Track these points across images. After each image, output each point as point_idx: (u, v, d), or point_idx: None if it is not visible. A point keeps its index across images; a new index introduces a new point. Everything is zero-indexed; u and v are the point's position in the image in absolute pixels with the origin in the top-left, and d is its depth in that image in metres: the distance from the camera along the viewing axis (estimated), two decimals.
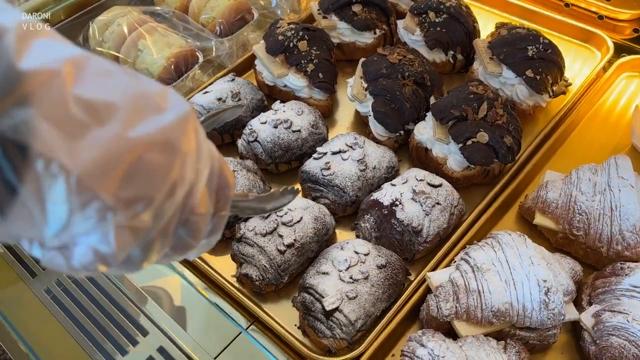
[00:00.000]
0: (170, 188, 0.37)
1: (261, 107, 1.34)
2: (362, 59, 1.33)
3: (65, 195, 0.32)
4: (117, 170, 0.33)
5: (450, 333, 0.93)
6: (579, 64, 1.47)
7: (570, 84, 1.38)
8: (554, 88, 1.29)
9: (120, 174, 0.33)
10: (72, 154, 0.31)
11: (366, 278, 0.96)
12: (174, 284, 1.01)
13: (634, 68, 1.41)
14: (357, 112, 1.37)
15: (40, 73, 0.30)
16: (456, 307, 0.91)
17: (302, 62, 1.33)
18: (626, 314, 0.86)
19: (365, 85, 1.27)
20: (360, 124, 1.36)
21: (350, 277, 0.96)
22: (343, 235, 1.15)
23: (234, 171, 1.12)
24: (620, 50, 1.46)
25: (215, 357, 0.89)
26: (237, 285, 1.06)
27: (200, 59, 1.43)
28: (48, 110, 0.30)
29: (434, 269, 1.02)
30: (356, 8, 1.44)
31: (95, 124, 0.32)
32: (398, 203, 1.05)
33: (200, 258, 1.08)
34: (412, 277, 1.06)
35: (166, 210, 0.38)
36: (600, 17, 1.52)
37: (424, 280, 1.00)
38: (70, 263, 0.37)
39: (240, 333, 0.94)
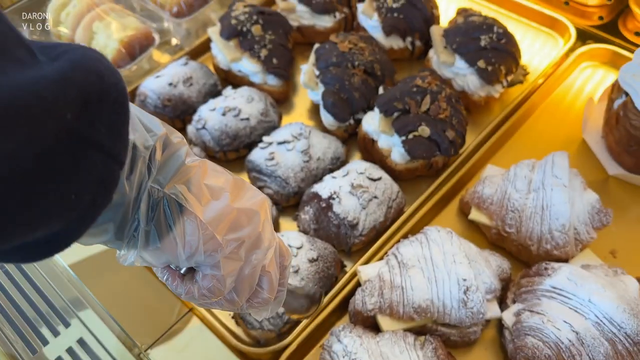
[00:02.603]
0: (256, 240, 0.57)
1: (214, 93, 1.33)
2: (316, 46, 1.31)
3: (197, 233, 0.52)
4: (224, 223, 0.54)
5: (377, 327, 0.95)
6: (543, 52, 1.44)
7: (528, 73, 1.36)
8: (509, 78, 1.28)
9: (226, 226, 0.54)
10: (203, 213, 0.52)
11: (296, 272, 0.98)
12: (107, 272, 1.03)
13: (594, 57, 1.39)
14: None
15: (192, 169, 0.53)
16: (380, 301, 0.92)
17: (256, 47, 1.31)
18: (543, 314, 0.88)
19: (317, 73, 1.26)
20: (317, 111, 1.36)
21: None
22: (286, 225, 1.16)
23: None
24: (587, 37, 1.43)
25: (147, 349, 0.91)
26: None
27: (157, 41, 1.41)
28: (193, 189, 0.52)
29: (367, 262, 1.04)
30: None
31: (214, 199, 0.54)
32: (335, 196, 1.05)
33: None
34: (347, 269, 1.07)
35: (253, 258, 0.57)
36: (566, 2, 1.49)
37: (356, 274, 1.02)
38: (201, 291, 0.56)
39: (173, 325, 0.97)
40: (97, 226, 0.48)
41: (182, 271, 0.59)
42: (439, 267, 0.92)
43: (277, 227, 1.15)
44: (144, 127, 0.49)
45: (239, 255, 0.55)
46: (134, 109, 0.49)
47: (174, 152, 0.52)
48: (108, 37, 1.35)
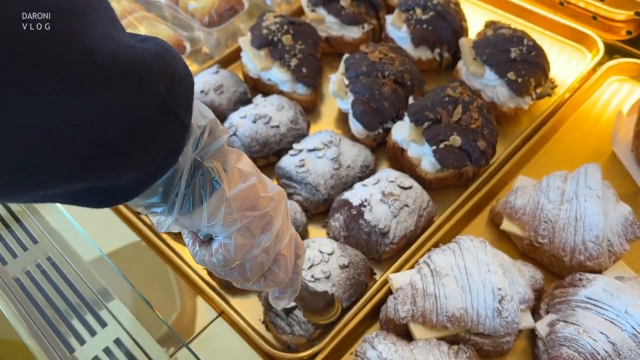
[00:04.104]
0: (267, 222, 0.63)
1: (244, 100, 1.35)
2: (345, 55, 1.33)
3: (221, 205, 0.58)
4: (244, 201, 0.60)
5: (408, 335, 0.95)
6: (570, 65, 1.45)
7: (556, 86, 1.36)
8: (538, 90, 1.28)
9: (245, 204, 0.60)
10: (231, 190, 0.59)
11: (328, 277, 0.98)
12: (143, 274, 1.04)
13: (621, 72, 1.39)
14: None
15: (230, 153, 0.60)
16: (413, 310, 0.92)
17: (286, 56, 1.33)
18: (578, 325, 0.87)
19: (347, 82, 1.28)
20: (344, 120, 1.37)
21: (312, 276, 0.97)
22: (315, 232, 1.17)
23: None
24: (614, 52, 1.44)
25: (175, 352, 0.92)
26: (206, 277, 1.09)
27: (188, 49, 1.44)
28: (228, 170, 0.59)
29: (398, 270, 1.04)
30: (344, 2, 1.44)
31: (241, 182, 0.60)
32: (367, 204, 1.06)
33: (171, 248, 1.11)
34: (377, 277, 1.07)
35: (264, 240, 0.63)
36: (594, 17, 1.49)
37: (387, 281, 1.02)
38: (211, 258, 0.63)
39: (203, 329, 0.97)
40: (152, 187, 0.56)
41: (204, 239, 0.66)
42: (473, 276, 0.91)
43: (306, 234, 1.16)
44: (199, 112, 0.58)
45: (251, 231, 0.62)
46: None
47: (218, 137, 0.60)
48: None
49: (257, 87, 1.41)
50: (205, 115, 0.57)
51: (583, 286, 0.92)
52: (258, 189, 0.62)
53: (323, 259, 1.00)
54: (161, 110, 0.48)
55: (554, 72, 1.40)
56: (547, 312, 0.95)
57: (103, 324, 0.91)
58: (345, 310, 1.00)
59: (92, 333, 0.89)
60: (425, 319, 0.91)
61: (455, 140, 1.10)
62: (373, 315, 1.01)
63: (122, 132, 0.45)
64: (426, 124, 1.14)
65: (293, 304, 0.94)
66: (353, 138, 1.27)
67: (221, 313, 1.03)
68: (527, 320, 0.93)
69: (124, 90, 0.44)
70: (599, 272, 0.98)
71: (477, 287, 0.90)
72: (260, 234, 0.63)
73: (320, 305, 0.93)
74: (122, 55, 0.44)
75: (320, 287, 0.97)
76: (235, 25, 1.53)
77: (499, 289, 0.89)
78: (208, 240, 0.65)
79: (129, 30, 1.47)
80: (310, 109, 1.38)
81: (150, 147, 0.49)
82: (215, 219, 0.59)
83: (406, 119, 1.17)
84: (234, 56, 1.49)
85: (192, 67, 1.51)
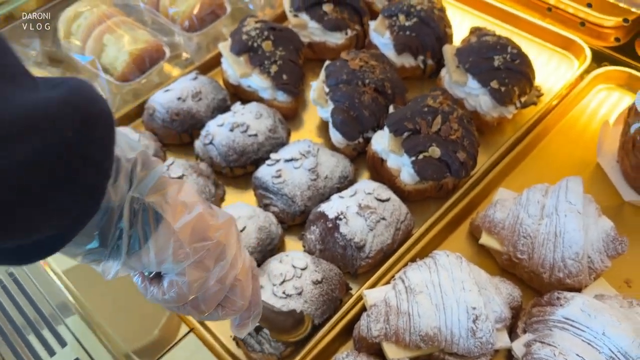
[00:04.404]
0: (220, 252, 0.61)
1: (223, 108, 1.32)
2: (326, 62, 1.30)
3: (169, 241, 0.56)
4: (193, 233, 0.58)
5: (381, 354, 0.92)
6: (557, 73, 1.42)
7: (542, 94, 1.34)
8: (522, 99, 1.26)
9: (195, 236, 0.58)
10: (177, 223, 0.57)
11: (300, 294, 0.95)
12: (106, 292, 1.01)
13: (609, 80, 1.36)
14: None
15: (169, 184, 0.58)
16: (386, 328, 0.90)
17: (266, 62, 1.30)
18: (554, 347, 0.84)
19: (327, 90, 1.25)
20: (326, 128, 1.34)
21: (284, 292, 0.95)
22: (291, 244, 1.14)
23: (184, 175, 1.12)
24: (602, 59, 1.41)
25: None
26: None
27: (167, 55, 1.41)
28: (170, 202, 0.57)
29: (374, 285, 1.01)
30: (327, 7, 1.41)
31: (187, 212, 0.58)
32: (342, 217, 1.03)
33: None
34: (353, 292, 1.05)
35: (218, 270, 0.61)
36: (582, 23, 1.47)
37: (361, 298, 0.99)
38: (164, 296, 0.60)
39: (172, 346, 0.95)
40: (84, 232, 0.52)
41: (151, 275, 0.63)
42: (447, 294, 0.89)
43: (282, 246, 1.13)
44: (126, 144, 0.56)
45: (204, 264, 0.60)
46: (117, 131, 0.54)
47: (153, 168, 0.58)
48: (118, 49, 1.35)
49: (238, 94, 1.39)
50: (133, 147, 0.55)
51: (561, 305, 0.89)
52: (206, 218, 0.60)
53: (296, 274, 0.97)
54: (70, 157, 0.45)
55: (541, 80, 1.37)
56: (525, 331, 0.92)
57: (63, 344, 0.88)
58: (317, 327, 0.97)
59: (51, 353, 0.87)
60: (399, 337, 0.89)
61: (435, 151, 1.07)
62: (348, 332, 0.98)
63: (26, 189, 0.43)
64: (405, 134, 1.11)
65: None
66: (333, 147, 1.24)
67: (192, 329, 1.01)
68: (503, 340, 0.91)
69: (23, 148, 0.42)
70: (579, 289, 0.96)
71: (452, 305, 0.88)
72: (215, 264, 0.61)
73: (287, 324, 0.90)
74: (15, 114, 0.42)
75: (291, 303, 0.94)
76: (217, 30, 1.51)
77: (474, 308, 0.87)
78: (157, 276, 0.62)
79: (107, 36, 1.41)
80: (291, 116, 1.36)
81: (61, 197, 0.46)
82: (164, 255, 0.56)
83: (386, 129, 1.15)
84: (215, 62, 1.46)
85: (173, 72, 1.48)
